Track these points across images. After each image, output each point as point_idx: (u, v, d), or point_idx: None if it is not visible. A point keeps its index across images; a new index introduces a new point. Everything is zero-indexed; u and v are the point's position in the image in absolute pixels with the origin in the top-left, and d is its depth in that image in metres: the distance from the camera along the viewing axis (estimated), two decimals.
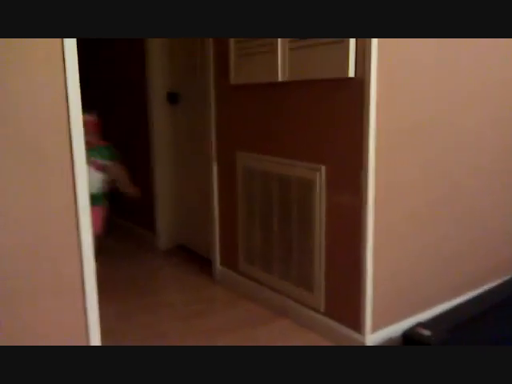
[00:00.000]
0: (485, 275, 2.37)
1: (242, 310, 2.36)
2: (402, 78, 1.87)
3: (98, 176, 2.52)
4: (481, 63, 2.17)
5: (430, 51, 1.94)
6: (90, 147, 2.46)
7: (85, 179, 1.45)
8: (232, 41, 2.32)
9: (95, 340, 1.54)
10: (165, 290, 2.70)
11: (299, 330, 2.13)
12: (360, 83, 1.78)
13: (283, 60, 2.04)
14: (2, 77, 1.27)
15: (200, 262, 2.98)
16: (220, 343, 2.03)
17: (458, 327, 1.80)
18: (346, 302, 1.97)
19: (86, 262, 1.47)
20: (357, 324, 1.93)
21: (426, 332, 1.77)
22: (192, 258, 3.10)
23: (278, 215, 2.23)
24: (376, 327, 1.94)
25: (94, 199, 2.56)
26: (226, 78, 2.43)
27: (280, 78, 2.07)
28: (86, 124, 2.39)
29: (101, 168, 2.53)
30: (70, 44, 1.35)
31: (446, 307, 2.11)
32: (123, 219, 3.75)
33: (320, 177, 1.99)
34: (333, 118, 1.92)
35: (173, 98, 3.16)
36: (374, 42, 1.73)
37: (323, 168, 1.98)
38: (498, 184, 2.39)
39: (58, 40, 1.33)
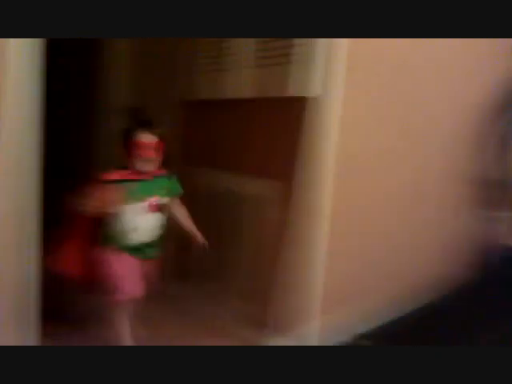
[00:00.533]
0: (424, 289, 2.48)
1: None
2: (362, 99, 1.96)
3: (155, 219, 1.82)
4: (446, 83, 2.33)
5: (393, 71, 2.06)
6: (146, 178, 1.80)
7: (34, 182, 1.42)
8: (192, 56, 2.37)
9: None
10: None
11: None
12: (318, 102, 1.82)
13: (243, 77, 2.09)
14: None
15: None
16: None
17: (397, 337, 1.87)
18: (287, 314, 2.00)
19: (28, 262, 1.45)
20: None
21: (367, 342, 1.83)
22: None
23: (227, 231, 2.27)
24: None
25: (148, 249, 1.86)
26: (186, 93, 2.47)
27: (239, 95, 2.12)
28: (145, 147, 1.76)
29: (158, 209, 1.82)
30: (19, 44, 1.33)
31: (388, 319, 2.18)
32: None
33: (272, 193, 2.03)
34: (289, 135, 1.95)
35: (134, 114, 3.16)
36: (338, 65, 1.81)
37: (276, 184, 2.02)
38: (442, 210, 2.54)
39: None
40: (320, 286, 1.92)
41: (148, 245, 1.83)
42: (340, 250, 2.00)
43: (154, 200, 1.78)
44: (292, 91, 1.84)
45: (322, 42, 1.78)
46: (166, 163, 1.85)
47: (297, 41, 1.85)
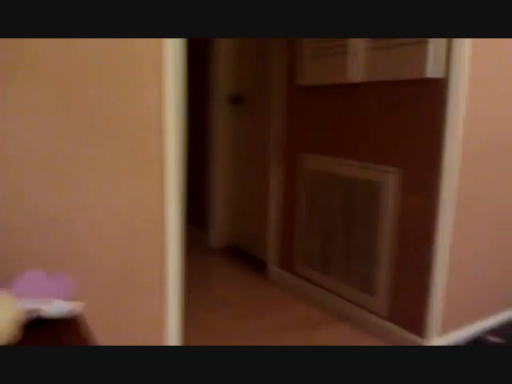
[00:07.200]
0: None
1: (299, 311, 2.37)
2: (489, 81, 1.85)
3: None
4: None
5: None
6: None
7: (176, 177, 1.48)
8: (305, 42, 2.33)
9: (173, 340, 1.57)
10: (218, 288, 2.73)
11: (359, 334, 2.13)
12: (441, 84, 1.76)
13: (358, 61, 2.03)
14: (106, 76, 1.32)
15: (253, 263, 3.00)
16: (283, 343, 2.03)
17: None
18: (411, 306, 1.95)
19: (171, 259, 1.51)
20: (421, 329, 1.91)
21: (498, 339, 1.74)
22: (245, 258, 3.12)
23: (341, 218, 2.23)
24: (441, 332, 1.92)
25: None
26: (294, 79, 2.46)
27: (355, 79, 2.06)
28: None
29: None
30: (173, 44, 1.38)
31: None
32: None
33: (392, 179, 1.98)
34: (410, 120, 1.91)
35: (237, 100, 3.20)
36: (459, 42, 1.72)
37: (396, 170, 1.97)
38: None
39: (160, 40, 1.36)
40: (442, 276, 1.85)
41: None
42: (462, 240, 1.91)
43: None
44: (428, 72, 1.74)
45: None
46: None
47: None
